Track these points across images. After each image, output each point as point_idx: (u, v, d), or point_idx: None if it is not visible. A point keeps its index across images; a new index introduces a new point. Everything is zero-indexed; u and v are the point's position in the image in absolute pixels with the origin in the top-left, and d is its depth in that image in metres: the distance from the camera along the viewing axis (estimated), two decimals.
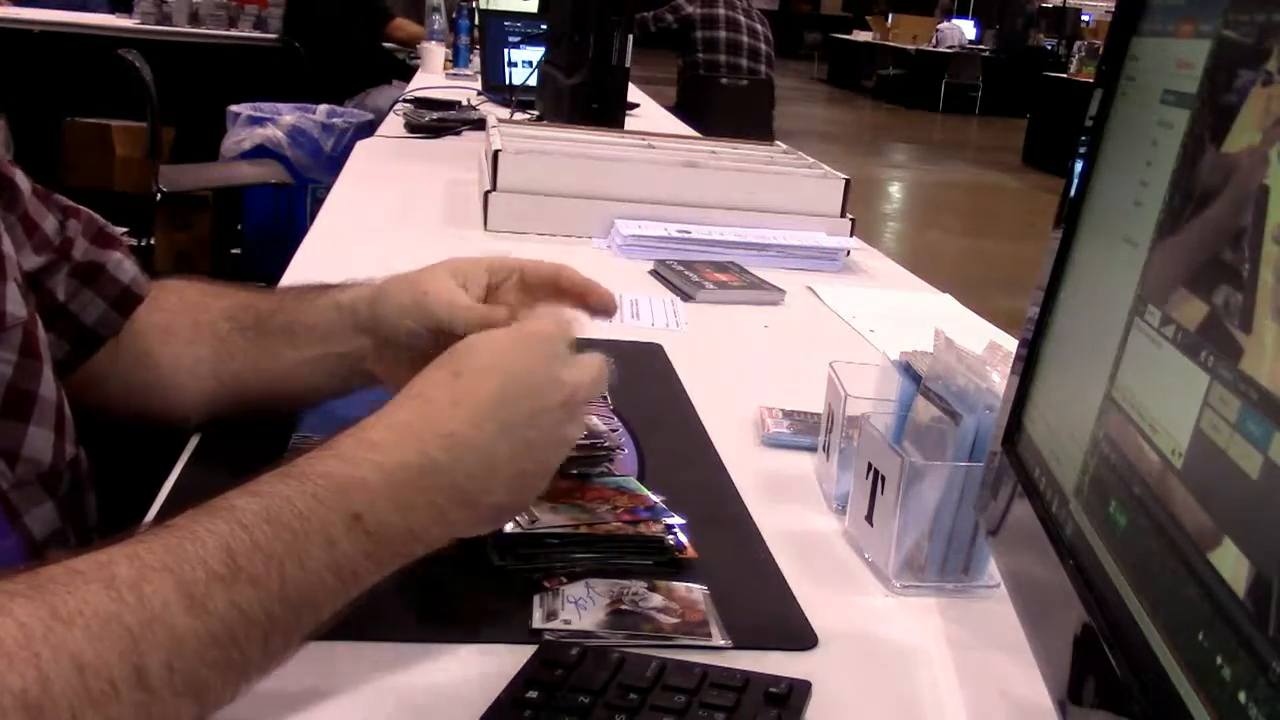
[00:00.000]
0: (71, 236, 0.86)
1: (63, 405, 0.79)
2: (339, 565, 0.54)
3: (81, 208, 0.89)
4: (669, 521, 0.74)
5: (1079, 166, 0.61)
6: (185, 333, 0.87)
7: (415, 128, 2.62)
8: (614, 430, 0.93)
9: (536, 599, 0.67)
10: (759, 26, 6.00)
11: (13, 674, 0.42)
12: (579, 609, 0.66)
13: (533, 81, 2.79)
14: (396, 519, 0.56)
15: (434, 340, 0.74)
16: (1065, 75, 10.99)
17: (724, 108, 5.66)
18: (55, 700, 0.43)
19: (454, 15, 4.47)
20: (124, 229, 4.16)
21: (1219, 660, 0.37)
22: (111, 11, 5.73)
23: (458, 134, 2.61)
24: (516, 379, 0.63)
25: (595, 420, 0.83)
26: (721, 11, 5.86)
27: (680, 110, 4.71)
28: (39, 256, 0.83)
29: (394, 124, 2.72)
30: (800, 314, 1.44)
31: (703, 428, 0.99)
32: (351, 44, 5.08)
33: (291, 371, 0.83)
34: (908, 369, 0.82)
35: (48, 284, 0.84)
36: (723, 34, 5.84)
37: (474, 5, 4.34)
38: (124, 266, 0.88)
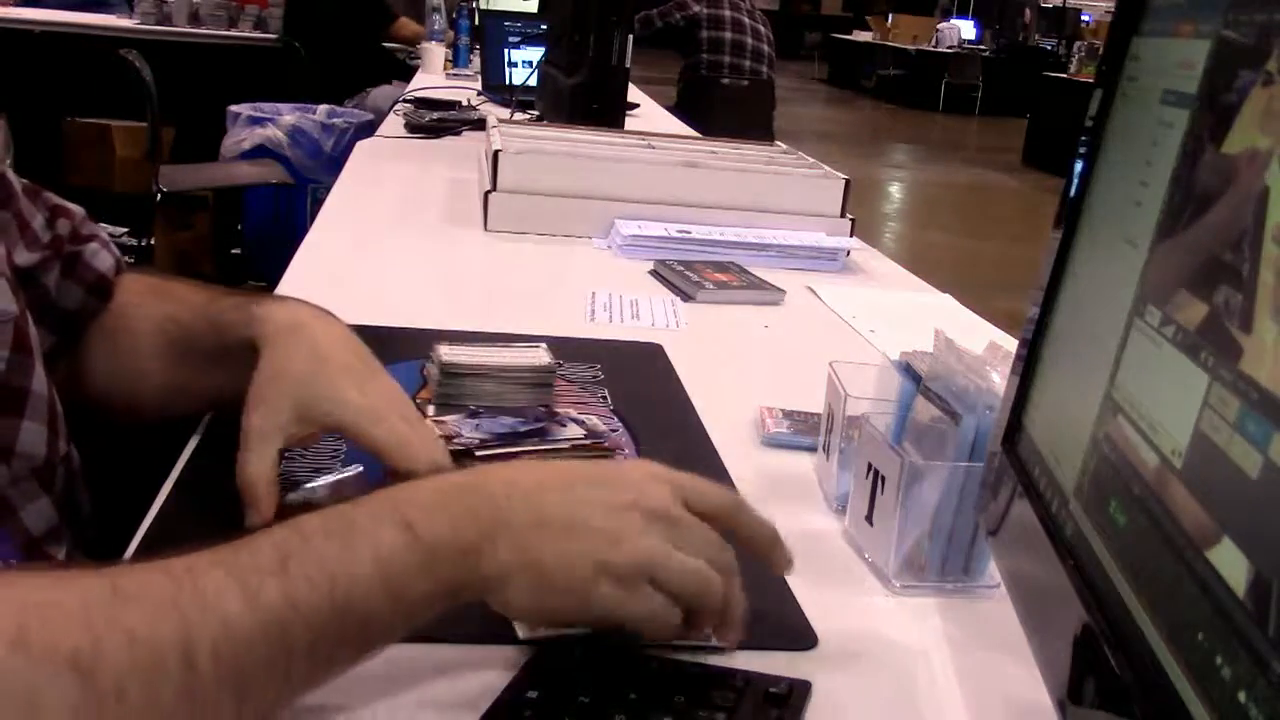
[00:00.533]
0: (61, 234, 0.88)
1: (54, 401, 0.79)
2: (389, 575, 0.53)
3: (71, 206, 0.90)
4: None
5: (1079, 166, 0.61)
6: (136, 343, 0.88)
7: (415, 128, 2.61)
8: (614, 430, 0.94)
9: None
10: (762, 28, 6.00)
11: (68, 636, 0.44)
12: None
13: (533, 81, 2.79)
14: (447, 531, 0.55)
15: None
16: (1065, 75, 11.00)
17: (724, 108, 5.66)
18: (105, 666, 0.45)
19: (454, 15, 4.47)
20: (124, 229, 4.16)
21: (1219, 660, 0.37)
22: (130, 12, 5.72)
23: (458, 134, 2.61)
24: (581, 470, 0.63)
25: (595, 420, 0.83)
26: (728, 13, 5.85)
27: (680, 110, 4.71)
28: (31, 253, 0.84)
29: (394, 124, 2.72)
30: (800, 314, 1.44)
31: (703, 428, 0.99)
32: (351, 44, 5.08)
33: (230, 387, 0.79)
34: (908, 369, 0.82)
35: (42, 280, 0.85)
36: (728, 35, 5.84)
37: (474, 5, 4.34)
38: (100, 255, 0.89)
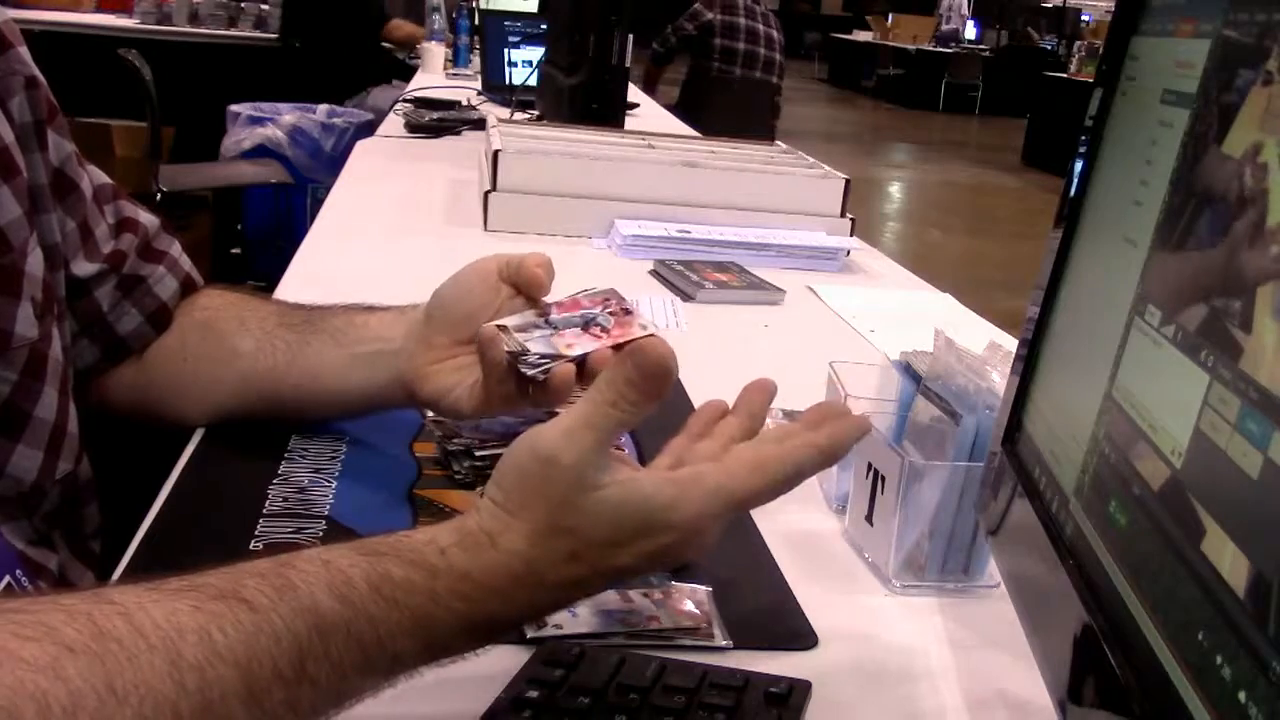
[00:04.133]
0: (124, 250, 0.86)
1: (64, 425, 0.78)
2: (395, 677, 0.53)
3: (143, 218, 0.89)
4: None
5: (1079, 166, 0.61)
6: (228, 327, 0.86)
7: (415, 128, 2.61)
8: None
9: None
10: (775, 34, 5.95)
11: None
12: (567, 610, 0.66)
13: (533, 81, 2.79)
14: (461, 647, 0.55)
15: (502, 299, 0.77)
16: (1065, 75, 11.00)
17: (724, 107, 5.65)
18: None
19: (454, 15, 4.47)
20: None
21: (1219, 660, 0.37)
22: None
23: (458, 134, 2.61)
24: (620, 573, 0.57)
25: None
26: (742, 20, 5.80)
27: (680, 110, 4.70)
28: (90, 264, 0.83)
29: (394, 124, 2.72)
30: (800, 314, 1.44)
31: None
32: (351, 44, 5.07)
33: (328, 368, 0.83)
34: (908, 369, 0.82)
35: (95, 292, 0.84)
36: (742, 46, 5.81)
37: (474, 5, 4.34)
38: (165, 282, 0.88)
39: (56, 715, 0.40)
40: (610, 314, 0.75)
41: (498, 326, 0.75)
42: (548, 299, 0.78)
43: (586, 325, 0.74)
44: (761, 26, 5.86)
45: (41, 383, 0.76)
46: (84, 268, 0.83)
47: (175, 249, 0.90)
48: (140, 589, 0.47)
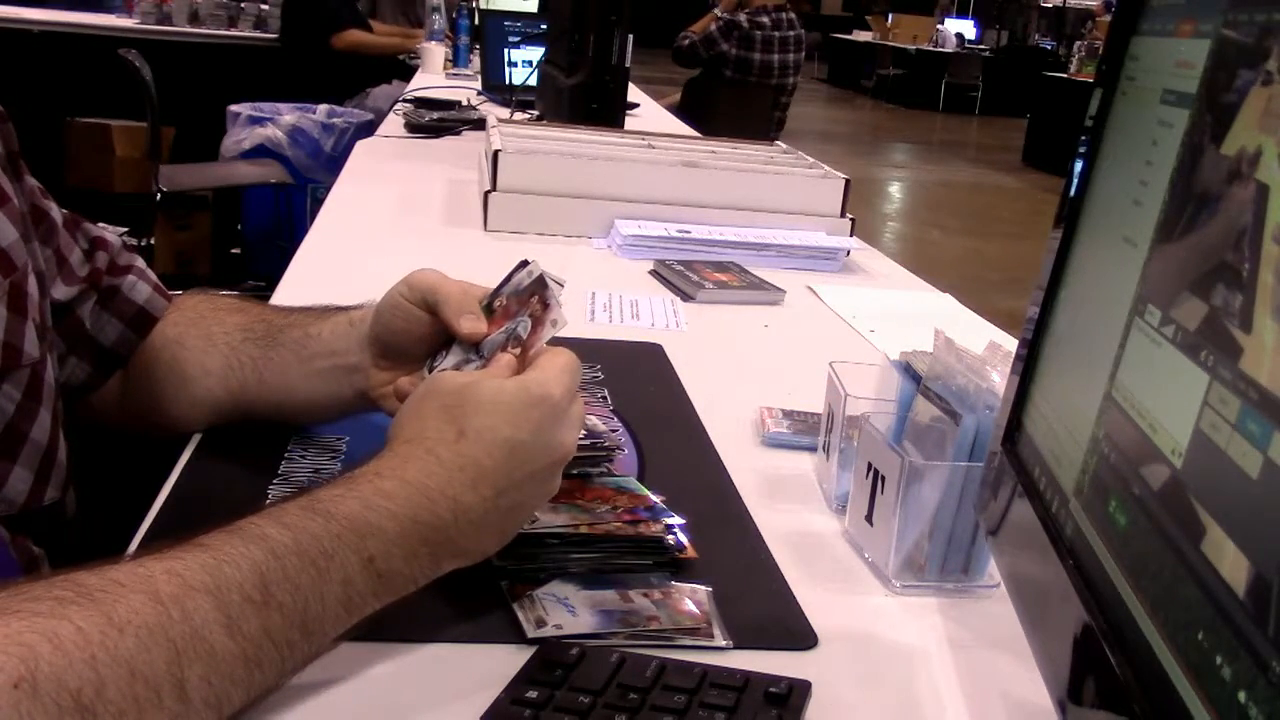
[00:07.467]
0: (99, 267, 0.88)
1: (54, 450, 0.78)
2: (350, 600, 0.59)
3: (108, 236, 0.90)
4: (669, 521, 0.74)
5: (1079, 166, 0.61)
6: (196, 344, 0.87)
7: (415, 128, 2.62)
8: (614, 430, 0.93)
9: (517, 610, 0.66)
10: (792, 68, 5.92)
11: (71, 674, 0.45)
12: (567, 610, 0.66)
13: (533, 81, 2.79)
14: (401, 565, 0.61)
15: (424, 325, 0.77)
16: (1065, 75, 10.99)
17: (725, 107, 5.65)
18: (107, 703, 0.46)
19: (454, 15, 4.46)
20: (124, 229, 4.21)
21: (1219, 660, 0.37)
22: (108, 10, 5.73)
23: (458, 134, 2.61)
24: (518, 450, 0.65)
25: (595, 420, 0.83)
26: (757, 56, 5.79)
27: (681, 110, 4.71)
28: (69, 287, 0.85)
29: (394, 124, 2.72)
30: (800, 314, 1.44)
31: (703, 428, 0.99)
32: (304, 47, 5.02)
33: (296, 385, 0.84)
34: (908, 369, 0.82)
35: (77, 312, 0.86)
36: (753, 79, 5.83)
37: (474, 5, 4.34)
38: (138, 287, 0.89)
39: (69, 649, 0.46)
40: (530, 315, 0.73)
41: (427, 369, 0.75)
42: (484, 300, 0.76)
43: (507, 343, 0.73)
44: (777, 56, 5.83)
45: (39, 405, 0.77)
46: (63, 291, 0.84)
47: (139, 261, 0.92)
48: (95, 564, 0.52)
